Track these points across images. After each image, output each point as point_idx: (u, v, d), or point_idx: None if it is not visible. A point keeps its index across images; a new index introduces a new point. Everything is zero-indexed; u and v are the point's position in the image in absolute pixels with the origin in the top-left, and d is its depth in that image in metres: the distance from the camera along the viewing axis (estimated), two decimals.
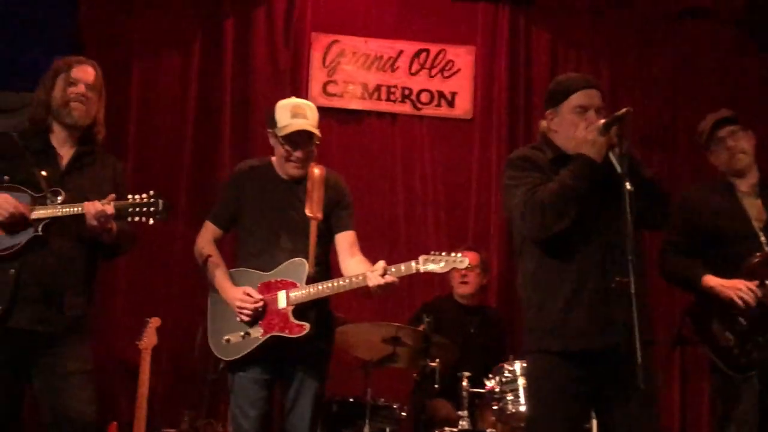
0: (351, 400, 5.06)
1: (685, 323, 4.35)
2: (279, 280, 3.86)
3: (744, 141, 4.31)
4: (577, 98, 3.43)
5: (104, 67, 3.96)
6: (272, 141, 4.00)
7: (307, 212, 3.91)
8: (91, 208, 3.54)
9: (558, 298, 3.34)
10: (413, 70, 6.59)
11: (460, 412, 4.83)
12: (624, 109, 3.27)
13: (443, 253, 3.74)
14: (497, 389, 4.73)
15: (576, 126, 3.38)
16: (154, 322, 5.31)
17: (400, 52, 6.60)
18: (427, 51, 6.61)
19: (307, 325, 3.77)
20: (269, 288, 3.85)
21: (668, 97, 6.76)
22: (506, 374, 4.71)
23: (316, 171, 4.02)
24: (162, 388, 5.85)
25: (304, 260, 3.84)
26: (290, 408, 3.87)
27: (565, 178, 3.30)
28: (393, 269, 3.69)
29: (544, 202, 3.30)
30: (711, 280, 4.11)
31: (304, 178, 3.99)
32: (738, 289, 4.03)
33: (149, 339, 5.24)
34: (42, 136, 3.76)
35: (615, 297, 3.22)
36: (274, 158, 4.06)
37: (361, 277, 3.73)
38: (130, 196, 3.62)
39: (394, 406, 5.07)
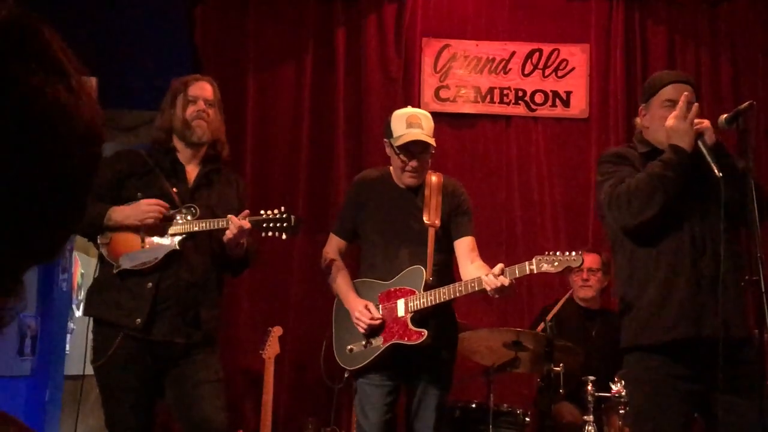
0: (474, 405, 5.03)
1: None
2: (398, 288, 3.88)
3: None
4: (666, 92, 3.44)
5: (221, 84, 4.05)
6: (388, 151, 4.03)
7: (425, 220, 3.92)
8: (233, 222, 3.64)
9: (649, 291, 3.35)
10: (526, 71, 6.51)
11: (585, 417, 4.74)
12: (747, 103, 3.23)
13: (557, 253, 3.69)
14: (623, 392, 4.63)
15: (665, 120, 3.36)
16: (276, 331, 5.38)
17: (513, 54, 6.53)
18: (540, 51, 6.52)
19: (424, 332, 3.78)
20: (389, 297, 3.89)
21: None
22: None
23: (434, 179, 4.03)
24: (285, 396, 5.93)
25: (421, 267, 3.85)
26: (414, 416, 3.89)
27: (654, 167, 3.31)
28: (507, 271, 3.66)
29: (630, 189, 3.31)
30: None
31: (422, 186, 4.00)
32: None
33: (272, 348, 5.31)
34: (170, 154, 3.87)
35: (707, 289, 3.22)
36: (392, 168, 4.09)
37: (476, 281, 3.71)
38: (262, 212, 3.72)
39: (518, 411, 5.01)
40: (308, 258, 5.88)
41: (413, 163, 3.93)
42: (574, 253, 3.69)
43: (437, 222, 3.93)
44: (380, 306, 3.92)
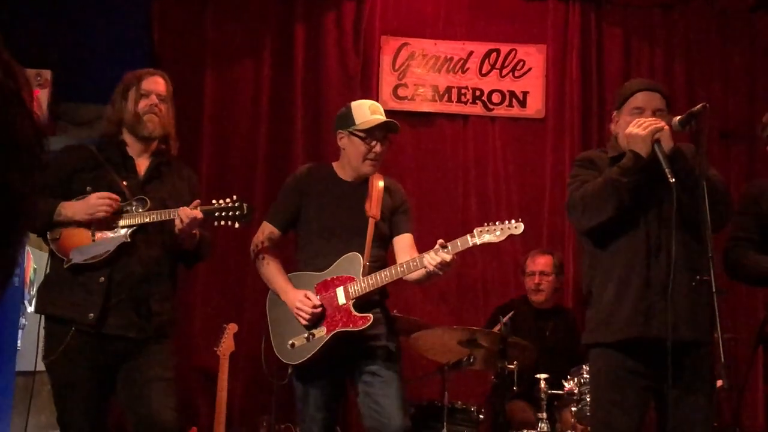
0: (428, 403, 5.05)
1: None
2: (336, 277, 3.84)
3: None
4: (635, 99, 3.52)
5: (178, 78, 4.02)
6: (344, 142, 4.00)
7: (366, 210, 3.92)
8: (183, 213, 3.60)
9: (608, 290, 3.46)
10: (484, 70, 6.55)
11: (539, 414, 4.79)
12: (700, 105, 3.30)
13: (497, 223, 3.70)
14: (576, 390, 4.68)
15: None
16: (231, 328, 5.36)
17: (470, 53, 6.56)
18: (498, 51, 6.56)
19: (370, 317, 3.74)
20: (327, 287, 3.84)
21: (746, 92, 6.60)
22: (585, 375, 4.65)
23: (377, 179, 4.03)
24: (240, 393, 5.91)
25: (357, 254, 3.83)
26: (377, 408, 3.75)
27: (611, 172, 3.40)
28: (449, 246, 3.65)
29: (586, 193, 3.43)
30: None
31: (365, 183, 4.01)
32: None
33: (227, 345, 5.29)
34: (119, 148, 3.82)
35: (658, 290, 3.32)
36: (335, 163, 4.09)
37: (418, 260, 3.71)
38: (214, 201, 3.68)
39: (472, 409, 5.04)
40: None
41: (377, 148, 3.93)
42: (514, 221, 3.70)
43: (377, 215, 3.93)
44: (318, 297, 3.84)
